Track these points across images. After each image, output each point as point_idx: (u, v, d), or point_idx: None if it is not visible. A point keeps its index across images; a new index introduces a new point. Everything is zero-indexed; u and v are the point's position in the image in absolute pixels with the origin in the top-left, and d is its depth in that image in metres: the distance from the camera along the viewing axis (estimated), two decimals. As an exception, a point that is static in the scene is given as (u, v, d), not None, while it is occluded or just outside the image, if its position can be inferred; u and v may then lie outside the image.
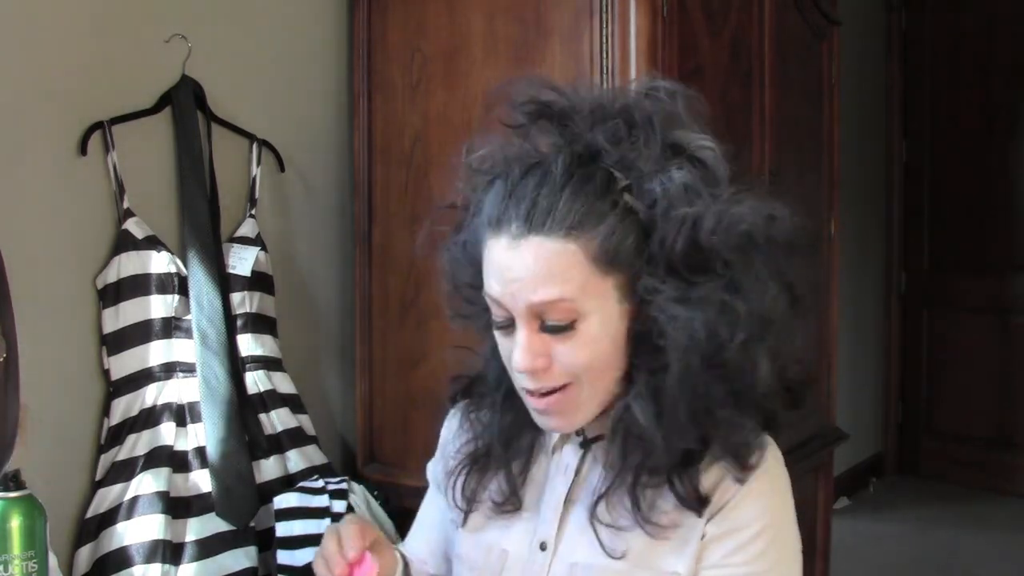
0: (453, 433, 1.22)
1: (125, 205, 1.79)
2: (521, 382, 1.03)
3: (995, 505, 3.90)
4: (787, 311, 1.02)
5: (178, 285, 1.81)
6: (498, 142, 1.10)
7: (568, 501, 1.09)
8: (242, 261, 1.91)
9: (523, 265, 0.98)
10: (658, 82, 1.06)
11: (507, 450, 1.12)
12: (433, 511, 1.25)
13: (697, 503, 1.01)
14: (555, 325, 0.99)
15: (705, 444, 1.02)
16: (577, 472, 1.10)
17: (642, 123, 1.02)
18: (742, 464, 1.02)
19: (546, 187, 0.99)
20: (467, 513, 1.15)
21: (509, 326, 1.02)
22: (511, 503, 1.12)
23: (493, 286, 1.01)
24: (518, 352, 1.00)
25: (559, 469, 1.11)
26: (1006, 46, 4.01)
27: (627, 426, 1.02)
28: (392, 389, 2.15)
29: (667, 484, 1.01)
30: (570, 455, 1.11)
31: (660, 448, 1.00)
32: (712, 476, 1.02)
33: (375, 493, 1.97)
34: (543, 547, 1.09)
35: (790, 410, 1.09)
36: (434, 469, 1.25)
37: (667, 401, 0.99)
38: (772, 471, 1.05)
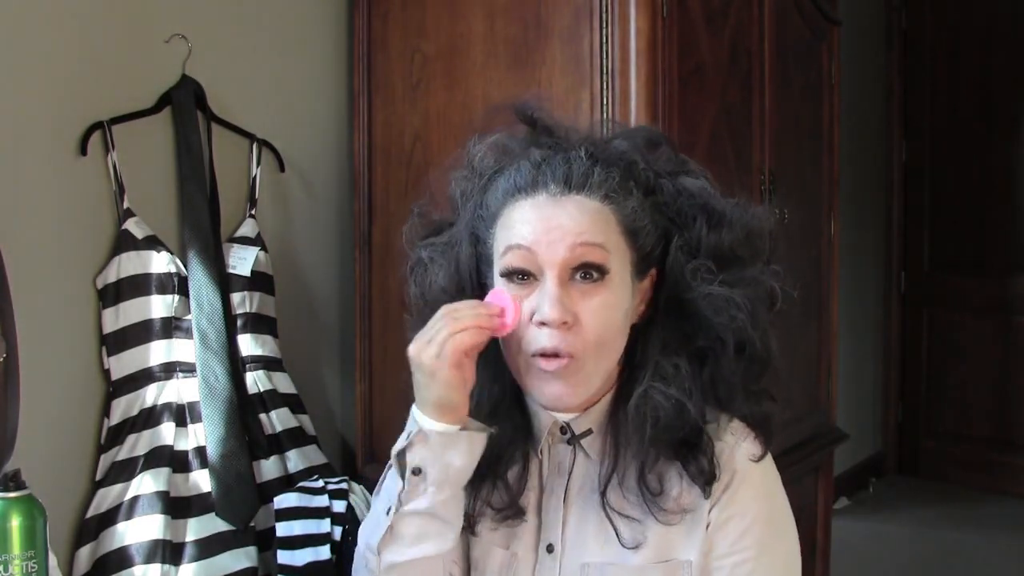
0: None
1: (125, 205, 1.79)
2: (539, 341, 1.02)
3: (995, 505, 3.89)
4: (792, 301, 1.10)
5: (178, 285, 1.81)
6: (500, 141, 1.14)
7: (567, 501, 1.10)
8: (242, 261, 1.91)
9: (567, 214, 1.03)
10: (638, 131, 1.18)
11: (499, 463, 1.11)
12: None
13: (705, 477, 1.03)
14: (589, 271, 1.02)
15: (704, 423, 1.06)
16: (570, 472, 1.11)
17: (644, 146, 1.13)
18: (762, 438, 1.07)
19: (575, 163, 1.05)
20: (472, 522, 1.14)
21: (526, 283, 1.03)
22: (512, 513, 1.11)
23: (524, 235, 1.03)
24: (548, 304, 1.01)
25: (554, 470, 1.12)
26: (1006, 46, 4.00)
27: (642, 412, 1.03)
28: (392, 389, 2.14)
29: (677, 463, 1.04)
30: (563, 454, 1.12)
31: (673, 427, 1.03)
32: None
33: (375, 493, 1.96)
34: (550, 549, 1.09)
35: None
36: None
37: (689, 379, 1.04)
38: (764, 460, 1.09)
